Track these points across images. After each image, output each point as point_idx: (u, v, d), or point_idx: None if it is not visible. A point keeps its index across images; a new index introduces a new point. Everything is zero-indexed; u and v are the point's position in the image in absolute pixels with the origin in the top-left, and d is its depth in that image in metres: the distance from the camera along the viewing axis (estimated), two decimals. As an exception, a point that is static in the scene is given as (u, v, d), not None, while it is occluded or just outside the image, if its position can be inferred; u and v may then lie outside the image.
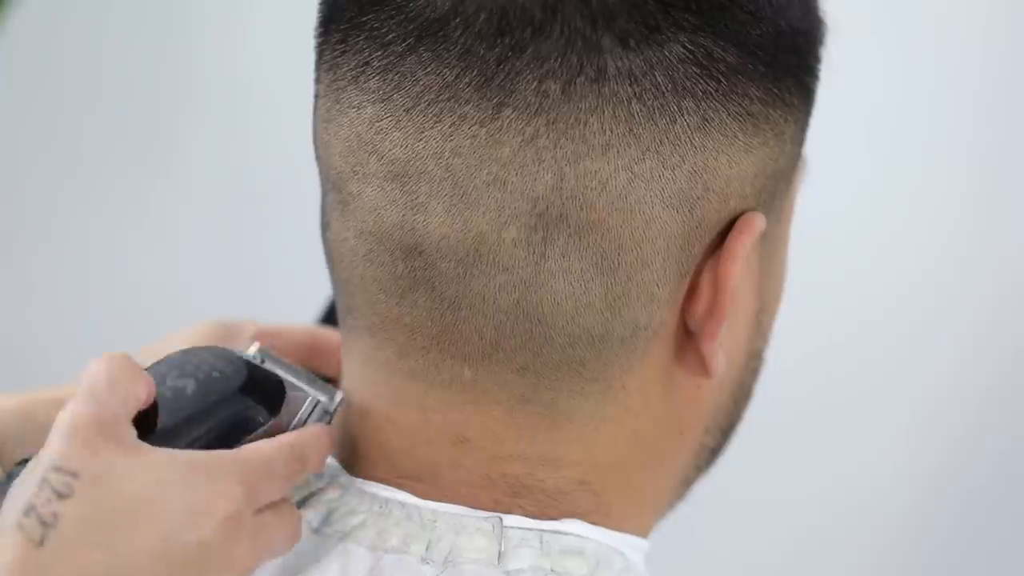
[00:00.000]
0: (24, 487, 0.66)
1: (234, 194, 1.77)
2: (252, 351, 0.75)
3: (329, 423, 0.75)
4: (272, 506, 0.70)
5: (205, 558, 0.67)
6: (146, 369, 0.72)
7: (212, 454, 0.69)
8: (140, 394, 0.69)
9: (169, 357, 0.74)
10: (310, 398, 0.74)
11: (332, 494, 0.75)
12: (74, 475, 0.65)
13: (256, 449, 0.70)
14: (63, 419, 0.67)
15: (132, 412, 0.69)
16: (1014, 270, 1.63)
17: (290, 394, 0.74)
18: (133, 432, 0.68)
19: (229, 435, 0.72)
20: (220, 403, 0.72)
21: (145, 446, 0.68)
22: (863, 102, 1.56)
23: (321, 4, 0.73)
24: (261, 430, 0.72)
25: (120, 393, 0.68)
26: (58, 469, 0.66)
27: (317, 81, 0.73)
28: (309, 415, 0.74)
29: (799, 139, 0.74)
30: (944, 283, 1.65)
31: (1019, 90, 1.61)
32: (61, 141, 1.77)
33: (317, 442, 0.73)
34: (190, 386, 0.72)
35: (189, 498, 0.67)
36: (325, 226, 0.74)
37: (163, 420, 0.71)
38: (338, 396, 0.74)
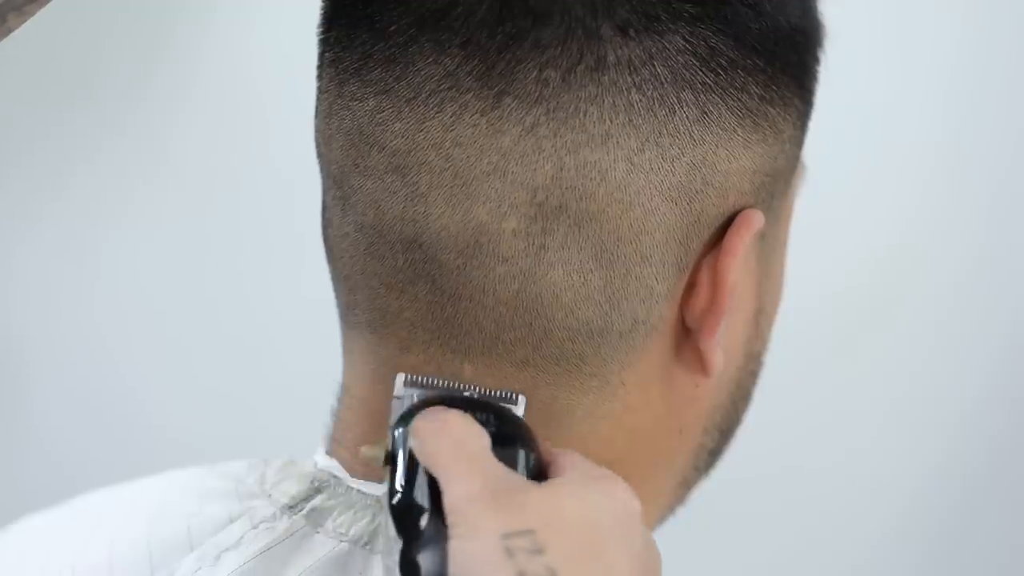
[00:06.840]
0: (479, 565, 0.61)
1: (233, 193, 1.76)
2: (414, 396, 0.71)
3: None
4: None
5: (654, 554, 0.65)
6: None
7: (587, 465, 0.66)
8: (485, 439, 0.66)
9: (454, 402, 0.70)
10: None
11: (332, 493, 0.75)
12: (528, 531, 0.61)
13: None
14: (457, 499, 0.63)
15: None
16: (1014, 271, 1.63)
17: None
18: (517, 475, 0.65)
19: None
20: (516, 429, 0.69)
21: (529, 481, 0.64)
22: (863, 104, 1.57)
23: (324, 1, 0.74)
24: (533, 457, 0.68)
25: (472, 444, 0.65)
26: (506, 536, 0.61)
27: (319, 77, 0.74)
28: None
29: (798, 140, 0.74)
30: (944, 283, 1.66)
31: (1020, 91, 1.61)
32: (60, 141, 1.77)
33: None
34: (491, 420, 0.68)
35: (611, 506, 0.64)
36: (326, 223, 0.75)
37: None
38: (521, 401, 0.71)
